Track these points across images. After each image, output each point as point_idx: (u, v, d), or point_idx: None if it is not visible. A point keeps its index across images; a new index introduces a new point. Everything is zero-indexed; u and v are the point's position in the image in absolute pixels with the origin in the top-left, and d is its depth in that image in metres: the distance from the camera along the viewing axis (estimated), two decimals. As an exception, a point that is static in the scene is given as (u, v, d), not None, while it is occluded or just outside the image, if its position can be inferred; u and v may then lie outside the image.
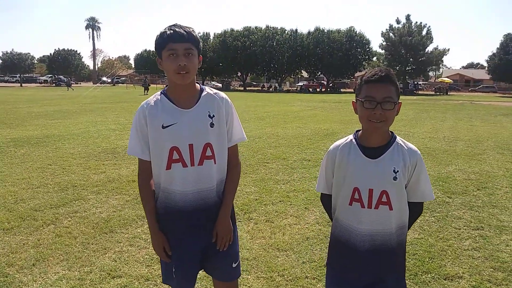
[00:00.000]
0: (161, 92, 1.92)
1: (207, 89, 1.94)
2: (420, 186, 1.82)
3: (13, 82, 66.87)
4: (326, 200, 2.00)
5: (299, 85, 62.39)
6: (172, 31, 1.76)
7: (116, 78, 75.83)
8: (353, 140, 1.84)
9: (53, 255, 3.53)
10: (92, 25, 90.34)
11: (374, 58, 62.29)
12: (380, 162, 1.76)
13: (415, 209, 1.88)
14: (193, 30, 1.82)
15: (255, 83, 74.61)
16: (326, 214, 2.09)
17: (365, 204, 1.77)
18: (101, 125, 12.59)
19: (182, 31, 1.77)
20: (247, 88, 62.08)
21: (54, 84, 62.40)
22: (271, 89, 61.08)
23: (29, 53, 77.61)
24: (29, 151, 8.06)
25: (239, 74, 64.32)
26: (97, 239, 3.90)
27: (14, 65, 73.39)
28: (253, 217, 4.55)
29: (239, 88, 62.43)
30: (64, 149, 8.33)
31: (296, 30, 61.76)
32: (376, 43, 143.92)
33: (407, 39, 53.63)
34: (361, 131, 1.85)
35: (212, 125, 1.87)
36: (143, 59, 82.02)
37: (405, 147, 1.80)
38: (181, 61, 1.76)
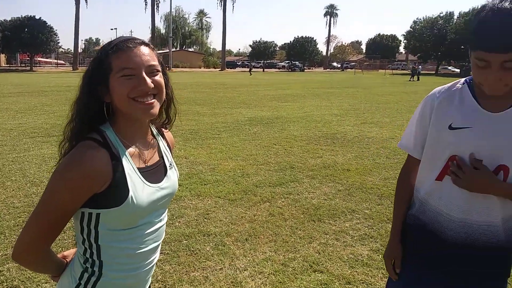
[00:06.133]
0: (465, 81, 1.43)
1: None
2: None
3: (257, 68, 76.98)
4: None
5: None
6: (486, 34, 1.16)
7: (346, 64, 77.49)
8: None
9: (264, 234, 3.70)
10: (331, 12, 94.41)
11: None
12: None
13: None
14: None
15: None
16: None
17: None
18: (324, 109, 12.95)
19: (505, 34, 1.13)
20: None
21: (290, 70, 68.64)
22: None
23: (273, 41, 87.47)
24: (260, 130, 8.95)
25: (484, 58, 55.58)
26: (305, 226, 3.89)
27: (260, 52, 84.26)
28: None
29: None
30: (288, 131, 8.89)
31: None
32: None
33: None
34: None
35: None
36: (375, 44, 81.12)
37: None
38: (491, 79, 1.21)
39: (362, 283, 2.94)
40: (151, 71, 1.17)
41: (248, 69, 51.39)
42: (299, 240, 3.60)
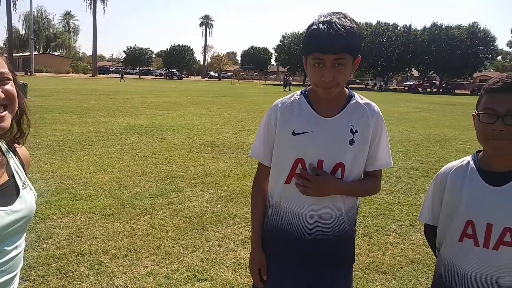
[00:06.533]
0: (301, 92, 1.61)
1: (357, 97, 1.58)
2: None
3: (133, 74, 73.95)
4: (430, 232, 1.66)
5: (407, 84, 58.63)
6: (321, 37, 1.36)
7: (223, 73, 79.35)
8: (471, 163, 1.49)
9: (145, 247, 3.55)
10: (206, 22, 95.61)
11: (499, 57, 55.61)
12: (505, 192, 1.38)
13: None
14: (351, 31, 1.38)
15: (358, 81, 71.96)
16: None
17: (479, 242, 1.41)
18: (204, 117, 13.05)
19: (334, 35, 1.35)
20: (350, 86, 59.20)
21: (167, 77, 67.56)
22: (375, 88, 58.30)
23: (149, 48, 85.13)
24: (137, 139, 8.59)
25: (342, 71, 62.36)
26: (188, 235, 3.85)
27: (135, 59, 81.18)
28: (351, 229, 4.12)
29: (342, 86, 60.51)
30: (168, 139, 8.72)
31: (410, 25, 57.94)
32: (503, 40, 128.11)
33: (543, 35, 46.70)
34: (482, 152, 1.50)
35: (352, 142, 1.51)
36: (249, 55, 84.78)
37: None
38: (327, 76, 1.40)
39: (245, 286, 3.02)
40: (1, 80, 1.05)
41: (119, 75, 48.68)
42: (182, 250, 3.54)
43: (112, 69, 79.55)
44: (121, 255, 3.39)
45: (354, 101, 1.56)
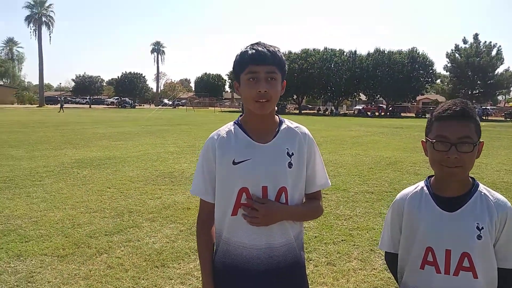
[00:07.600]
0: (234, 122, 1.64)
1: (287, 122, 1.65)
2: None
3: (83, 104, 71.79)
4: (392, 260, 1.68)
5: (356, 109, 61.02)
6: (254, 51, 1.50)
7: (177, 101, 78.88)
8: (425, 188, 1.55)
9: (103, 290, 3.38)
10: (157, 49, 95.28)
11: (438, 81, 59.49)
12: (459, 216, 1.45)
13: (506, 278, 1.49)
14: (278, 50, 1.54)
15: (310, 106, 73.99)
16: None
17: (441, 269, 1.45)
18: (160, 147, 12.83)
19: (265, 50, 1.50)
20: (303, 112, 61.63)
21: (119, 106, 66.12)
22: (327, 112, 60.21)
23: (99, 76, 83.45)
24: (90, 173, 8.27)
25: (294, 97, 64.08)
26: (148, 274, 3.71)
27: (85, 87, 79.06)
28: (313, 257, 4.15)
29: (294, 111, 62.18)
30: (123, 172, 8.47)
31: (355, 51, 60.73)
32: (440, 64, 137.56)
33: (475, 60, 50.64)
34: (433, 177, 1.56)
35: (290, 165, 1.55)
36: (203, 82, 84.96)
37: (491, 198, 1.48)
38: (262, 87, 1.47)
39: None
40: None
41: (59, 106, 46.34)
42: (143, 290, 3.41)
43: (61, 99, 76.80)
44: (78, 300, 3.20)
45: (285, 125, 1.63)
